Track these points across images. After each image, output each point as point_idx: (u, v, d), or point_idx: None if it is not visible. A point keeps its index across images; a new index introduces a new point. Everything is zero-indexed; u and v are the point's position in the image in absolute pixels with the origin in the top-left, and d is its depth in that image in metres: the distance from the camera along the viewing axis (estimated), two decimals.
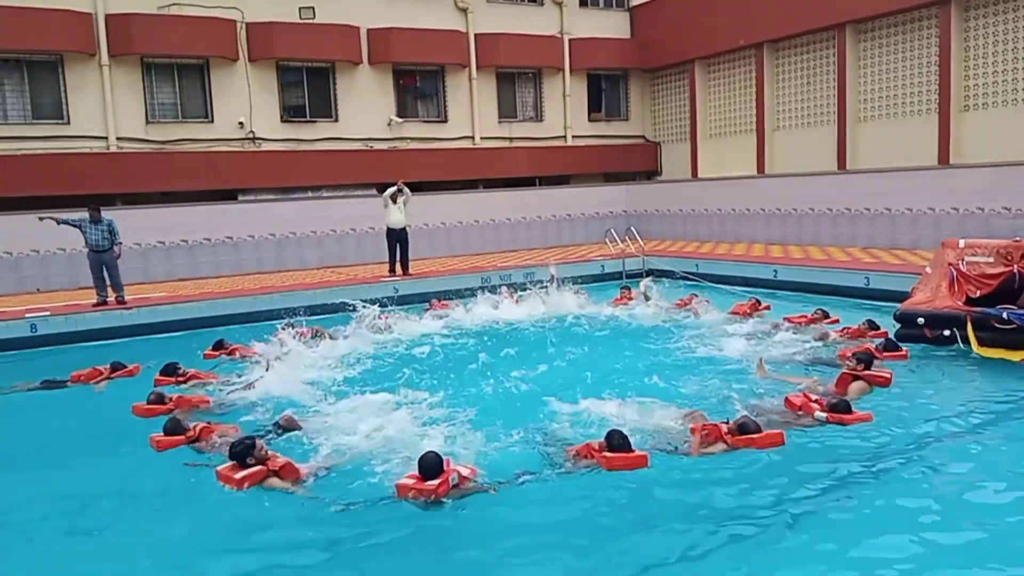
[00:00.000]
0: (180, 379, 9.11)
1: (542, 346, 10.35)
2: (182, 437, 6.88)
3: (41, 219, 13.41)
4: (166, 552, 5.14)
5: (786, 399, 7.15)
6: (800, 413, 6.87)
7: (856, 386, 7.59)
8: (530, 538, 5.09)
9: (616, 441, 5.90)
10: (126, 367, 9.65)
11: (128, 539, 5.37)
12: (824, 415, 6.73)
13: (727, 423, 6.34)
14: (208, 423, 7.17)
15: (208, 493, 5.92)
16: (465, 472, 5.65)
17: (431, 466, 5.51)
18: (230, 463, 5.96)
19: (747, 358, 9.13)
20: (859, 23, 18.45)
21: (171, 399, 8.07)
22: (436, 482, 5.41)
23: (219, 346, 10.76)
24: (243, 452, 5.91)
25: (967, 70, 16.61)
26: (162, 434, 6.93)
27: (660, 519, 5.25)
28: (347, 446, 6.56)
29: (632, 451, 5.89)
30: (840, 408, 6.77)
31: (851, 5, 18.22)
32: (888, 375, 7.81)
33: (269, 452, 6.01)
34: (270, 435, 6.93)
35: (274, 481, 5.82)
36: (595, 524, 5.23)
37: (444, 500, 5.40)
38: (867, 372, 7.72)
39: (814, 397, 7.13)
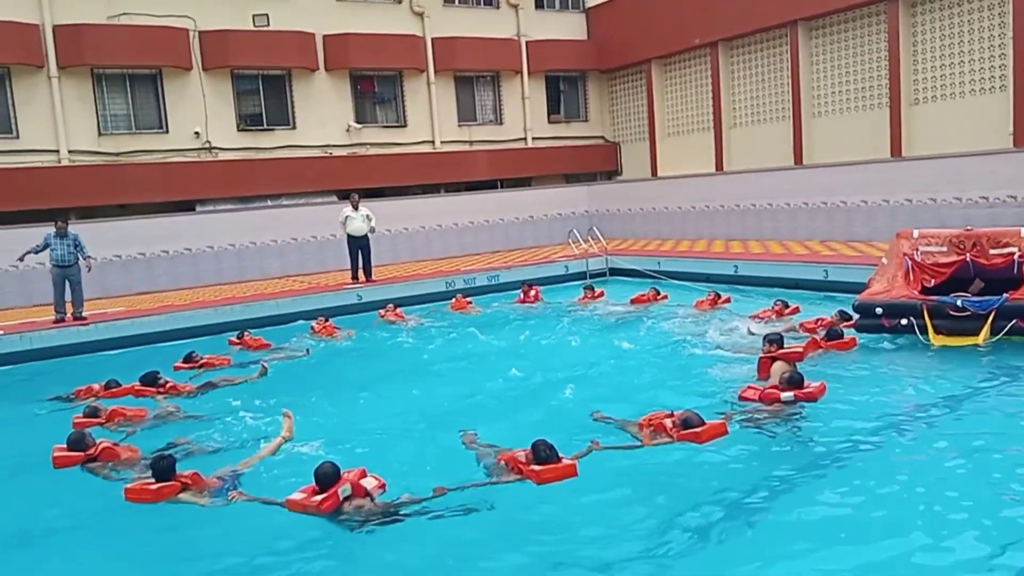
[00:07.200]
0: (161, 389, 8.88)
1: (487, 346, 10.45)
2: (80, 454, 6.45)
3: (21, 259, 13.36)
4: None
5: (740, 395, 7.20)
6: (762, 402, 6.93)
7: (776, 367, 7.74)
8: (447, 555, 4.95)
9: (543, 453, 5.49)
10: (121, 385, 9.20)
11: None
12: (791, 395, 6.81)
13: (672, 415, 6.29)
14: (115, 443, 6.72)
15: (118, 512, 5.72)
16: (373, 484, 5.39)
17: (325, 477, 5.29)
18: (142, 480, 5.80)
19: (717, 344, 9.31)
20: (810, 20, 18.75)
21: (105, 411, 7.74)
22: (319, 498, 5.20)
23: (189, 359, 10.51)
24: (169, 468, 5.73)
25: (915, 64, 16.97)
26: (65, 446, 6.54)
27: (588, 525, 5.19)
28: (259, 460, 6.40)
29: (559, 461, 5.51)
30: (796, 381, 6.90)
31: (802, 3, 18.49)
32: (800, 349, 8.01)
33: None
34: (177, 451, 6.73)
35: (185, 496, 5.69)
36: (520, 537, 5.12)
37: (345, 516, 5.20)
38: (781, 351, 7.91)
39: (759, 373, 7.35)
